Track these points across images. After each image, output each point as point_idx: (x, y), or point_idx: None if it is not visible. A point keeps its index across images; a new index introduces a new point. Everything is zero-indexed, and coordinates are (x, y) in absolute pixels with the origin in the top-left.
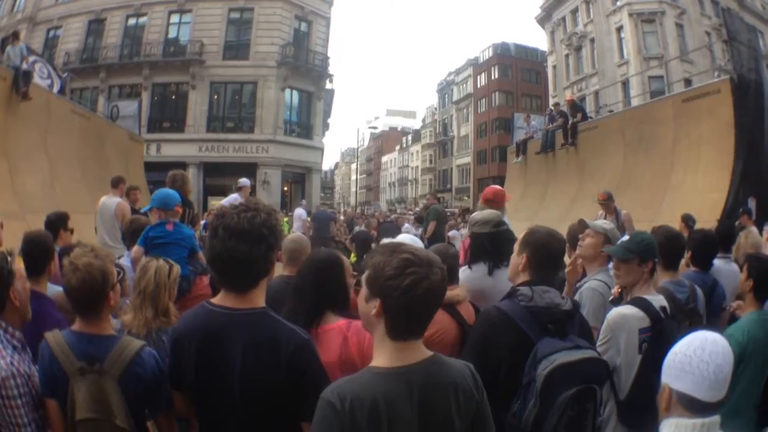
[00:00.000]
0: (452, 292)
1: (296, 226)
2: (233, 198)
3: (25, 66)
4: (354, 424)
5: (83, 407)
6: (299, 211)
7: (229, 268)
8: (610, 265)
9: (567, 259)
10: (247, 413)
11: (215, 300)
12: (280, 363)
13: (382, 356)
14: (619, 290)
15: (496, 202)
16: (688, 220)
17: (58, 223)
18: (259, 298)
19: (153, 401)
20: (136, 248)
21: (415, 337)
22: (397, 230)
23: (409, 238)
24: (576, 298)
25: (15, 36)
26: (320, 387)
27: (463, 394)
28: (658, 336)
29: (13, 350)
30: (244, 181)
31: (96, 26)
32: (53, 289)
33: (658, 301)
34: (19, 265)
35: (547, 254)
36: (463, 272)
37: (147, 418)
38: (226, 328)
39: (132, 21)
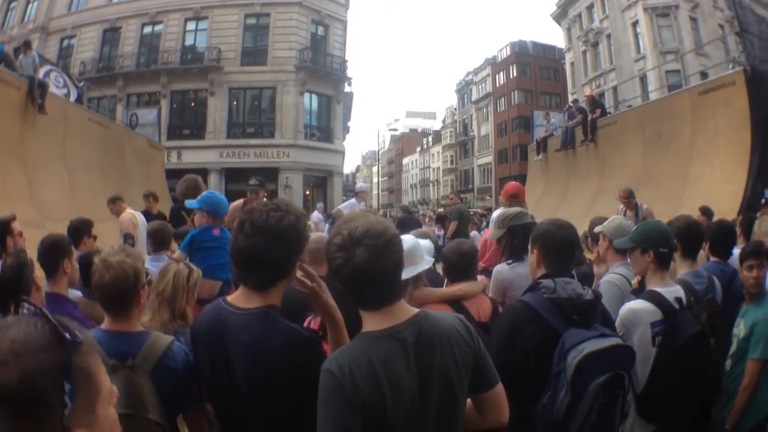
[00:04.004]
0: (451, 289)
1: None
2: (352, 203)
3: (40, 76)
4: (356, 388)
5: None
6: (317, 215)
7: (250, 264)
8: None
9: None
10: (257, 409)
11: (230, 297)
12: (276, 361)
13: (369, 322)
14: (639, 282)
15: (519, 197)
16: (706, 211)
17: (82, 229)
18: (273, 298)
19: (184, 396)
20: (179, 253)
21: (385, 305)
22: (417, 224)
23: (410, 237)
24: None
25: (27, 45)
26: (315, 386)
27: (457, 345)
28: (672, 329)
29: None
30: (361, 186)
31: (111, 35)
32: (74, 295)
33: (674, 292)
34: (38, 273)
35: (554, 244)
36: (512, 268)
37: (177, 414)
38: (229, 326)
39: (148, 29)
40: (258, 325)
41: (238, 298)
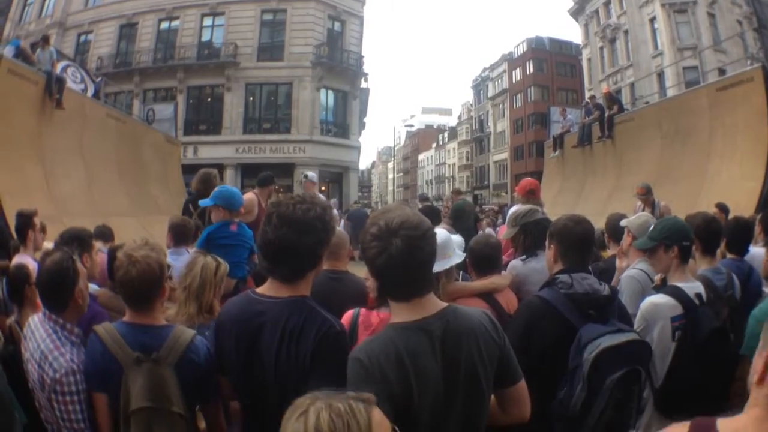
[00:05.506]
0: (483, 282)
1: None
2: None
3: (57, 71)
4: (384, 377)
5: (139, 397)
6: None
7: (279, 256)
8: None
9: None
10: (283, 399)
11: (260, 289)
12: (308, 349)
13: (398, 313)
14: (662, 278)
15: (536, 193)
16: (722, 208)
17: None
18: (303, 289)
19: (204, 389)
20: (195, 251)
21: (416, 297)
22: (438, 216)
23: (442, 231)
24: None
25: (45, 40)
26: (334, 379)
27: (483, 340)
28: (692, 323)
29: (72, 346)
30: (311, 175)
31: (128, 30)
32: (92, 289)
33: (694, 287)
34: (83, 285)
35: (572, 240)
36: (526, 264)
37: (195, 406)
38: (263, 315)
39: (164, 24)
40: (296, 311)
41: (268, 289)
